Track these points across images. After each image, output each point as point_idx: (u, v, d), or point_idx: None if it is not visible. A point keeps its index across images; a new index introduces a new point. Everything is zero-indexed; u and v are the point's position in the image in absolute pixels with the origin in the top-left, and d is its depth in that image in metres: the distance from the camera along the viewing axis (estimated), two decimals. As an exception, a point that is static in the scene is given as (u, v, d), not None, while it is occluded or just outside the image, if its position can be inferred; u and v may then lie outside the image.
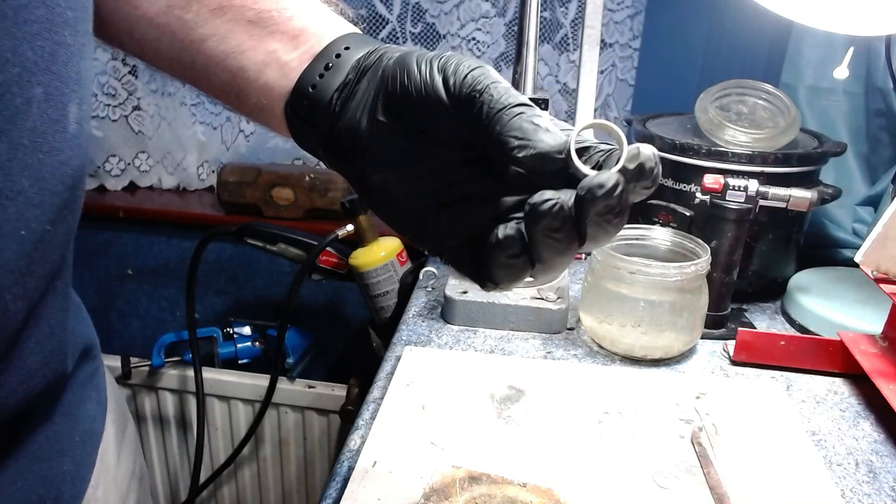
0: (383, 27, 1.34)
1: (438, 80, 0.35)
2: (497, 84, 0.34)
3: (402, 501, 0.52)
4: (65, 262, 0.40)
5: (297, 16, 0.41)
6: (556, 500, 0.51)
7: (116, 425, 0.55)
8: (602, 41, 1.24)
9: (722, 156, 0.82)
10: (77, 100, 0.35)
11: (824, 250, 0.99)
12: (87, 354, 0.48)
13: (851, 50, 0.80)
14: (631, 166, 0.30)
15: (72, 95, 0.35)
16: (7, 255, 0.32)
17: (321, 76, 0.39)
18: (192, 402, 1.46)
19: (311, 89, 0.39)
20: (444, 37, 1.31)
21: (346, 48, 0.40)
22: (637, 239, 0.78)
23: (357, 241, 1.07)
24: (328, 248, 1.11)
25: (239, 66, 0.41)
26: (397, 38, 1.34)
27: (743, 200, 0.76)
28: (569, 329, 0.81)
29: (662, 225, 0.85)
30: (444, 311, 0.82)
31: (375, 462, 0.56)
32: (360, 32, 0.42)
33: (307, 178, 1.33)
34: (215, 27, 0.41)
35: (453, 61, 0.35)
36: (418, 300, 0.88)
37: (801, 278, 0.89)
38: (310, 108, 0.39)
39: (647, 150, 0.31)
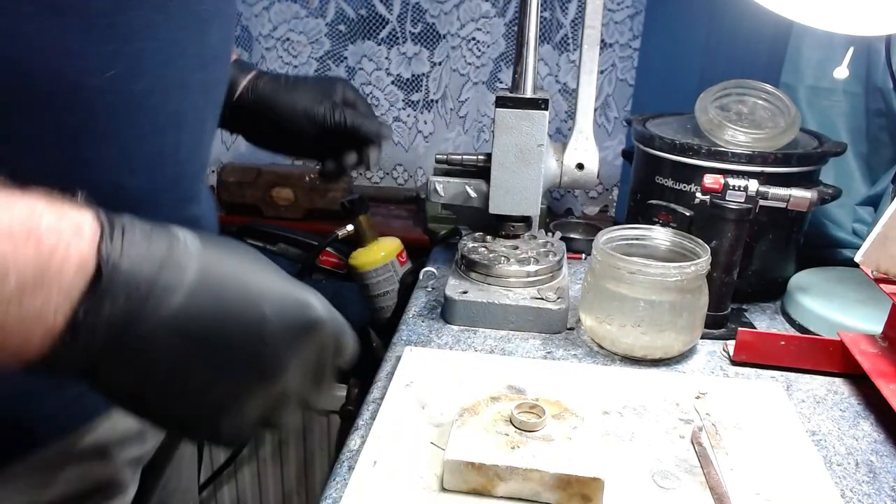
0: (383, 27, 1.34)
1: None
2: None
3: (404, 499, 0.52)
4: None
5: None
6: (565, 408, 0.57)
7: None
8: (602, 41, 1.24)
9: (722, 156, 0.82)
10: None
11: (824, 250, 0.99)
12: None
13: (851, 50, 0.80)
14: None
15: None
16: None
17: None
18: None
19: None
20: (444, 37, 1.31)
21: None
22: (637, 239, 0.78)
23: (357, 241, 1.07)
24: (328, 248, 1.11)
25: None
26: (397, 38, 1.34)
27: (743, 200, 0.76)
28: (569, 329, 0.81)
29: (662, 225, 0.85)
30: (444, 311, 0.82)
31: (375, 462, 0.56)
32: None
33: (307, 179, 1.33)
34: None
35: None
36: (418, 300, 0.88)
37: (801, 278, 0.89)
38: None
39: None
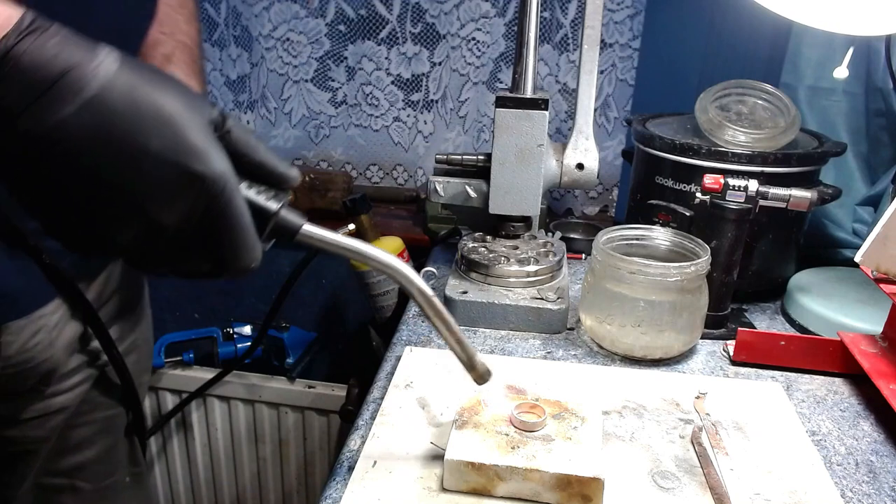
0: (383, 27, 1.34)
1: None
2: None
3: (404, 499, 0.52)
4: None
5: None
6: (565, 408, 0.58)
7: None
8: (602, 41, 1.24)
9: (722, 156, 0.82)
10: None
11: (824, 250, 0.99)
12: None
13: (851, 50, 0.80)
14: None
15: None
16: None
17: None
18: (192, 402, 1.46)
19: None
20: (444, 37, 1.31)
21: None
22: (637, 239, 0.78)
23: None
24: None
25: None
26: (397, 38, 1.34)
27: (743, 200, 0.76)
28: (569, 329, 0.81)
29: (662, 225, 0.85)
30: (444, 311, 0.82)
31: (375, 462, 0.56)
32: None
33: (307, 178, 1.33)
34: None
35: None
36: (418, 300, 0.88)
37: (801, 278, 0.89)
38: None
39: None
